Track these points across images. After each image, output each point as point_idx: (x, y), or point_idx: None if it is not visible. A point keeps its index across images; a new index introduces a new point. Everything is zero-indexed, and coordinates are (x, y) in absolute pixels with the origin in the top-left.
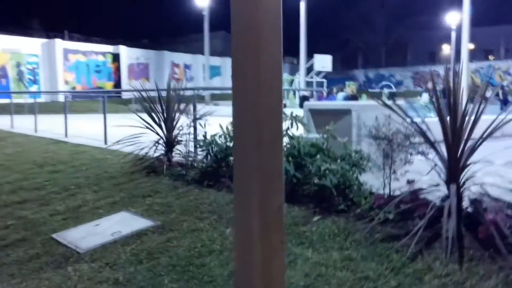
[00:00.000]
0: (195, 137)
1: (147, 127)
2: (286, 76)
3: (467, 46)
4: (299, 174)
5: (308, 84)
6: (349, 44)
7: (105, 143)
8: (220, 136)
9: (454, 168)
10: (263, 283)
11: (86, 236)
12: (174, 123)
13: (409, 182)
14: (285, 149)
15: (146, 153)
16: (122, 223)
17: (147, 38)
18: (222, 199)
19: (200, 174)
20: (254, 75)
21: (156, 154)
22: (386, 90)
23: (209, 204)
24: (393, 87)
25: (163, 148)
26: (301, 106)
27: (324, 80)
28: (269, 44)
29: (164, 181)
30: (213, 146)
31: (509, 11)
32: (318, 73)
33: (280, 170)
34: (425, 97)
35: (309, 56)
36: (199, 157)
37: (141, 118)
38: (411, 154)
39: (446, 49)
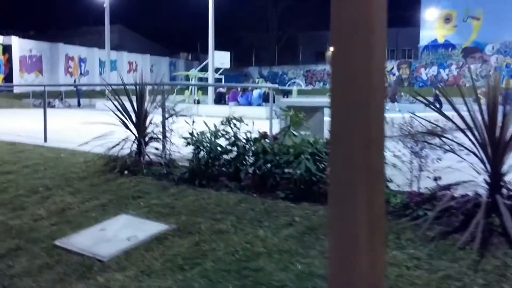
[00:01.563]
0: (164, 135)
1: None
2: (194, 72)
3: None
4: (320, 173)
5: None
6: (243, 42)
7: (45, 140)
8: (211, 134)
9: (499, 165)
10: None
11: (98, 242)
12: (147, 119)
13: (436, 179)
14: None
15: (114, 151)
16: (131, 227)
17: (34, 30)
18: (228, 199)
19: (190, 173)
20: (365, 76)
21: (124, 152)
22: (295, 88)
23: (217, 205)
24: (302, 84)
25: (134, 146)
26: (216, 102)
27: (222, 77)
28: (378, 44)
29: (147, 180)
30: (204, 144)
31: (389, 14)
32: (217, 69)
33: (383, 170)
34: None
35: (205, 52)
36: (175, 154)
37: (116, 112)
38: (444, 151)
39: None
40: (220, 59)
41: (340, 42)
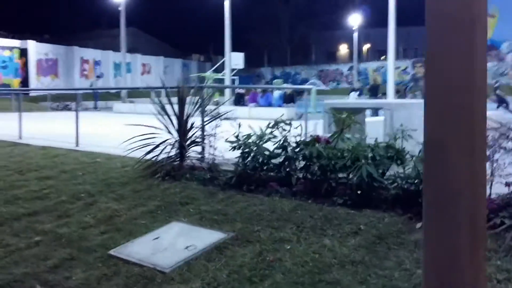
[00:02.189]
0: (203, 138)
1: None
2: (210, 74)
3: (393, 46)
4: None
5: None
6: (255, 42)
7: (77, 144)
8: (258, 138)
9: None
10: None
11: (155, 251)
12: (188, 122)
13: (508, 184)
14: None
15: (155, 155)
16: (187, 236)
17: (49, 33)
18: (282, 205)
19: (237, 178)
20: (467, 76)
21: (162, 157)
22: (314, 88)
23: (272, 211)
24: (319, 84)
25: (173, 151)
26: (235, 103)
27: (236, 78)
28: (481, 41)
29: (192, 186)
30: (251, 148)
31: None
32: (232, 70)
33: (485, 178)
34: (352, 95)
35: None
36: (218, 158)
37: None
38: None
39: (343, 49)
40: (234, 60)
41: (437, 40)
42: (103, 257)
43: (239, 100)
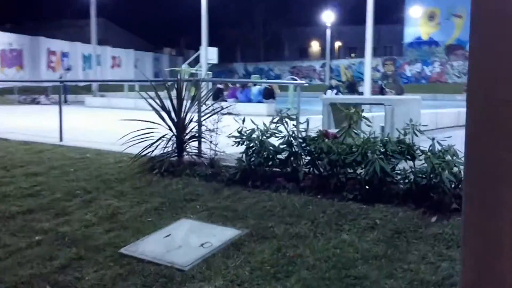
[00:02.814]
0: (199, 134)
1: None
2: (186, 67)
3: (370, 44)
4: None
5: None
6: (228, 37)
7: (61, 139)
8: (262, 133)
9: None
10: None
11: (169, 249)
12: (187, 116)
13: None
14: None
15: (149, 150)
16: (199, 233)
17: (10, 22)
18: (292, 201)
19: (241, 174)
20: None
21: (158, 153)
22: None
23: (282, 207)
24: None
25: (172, 146)
26: (214, 99)
27: (210, 73)
28: None
29: (194, 182)
30: (256, 143)
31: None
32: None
33: None
34: (329, 93)
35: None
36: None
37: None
38: None
39: (315, 46)
40: (208, 54)
41: (482, 34)
42: (114, 256)
43: (217, 96)
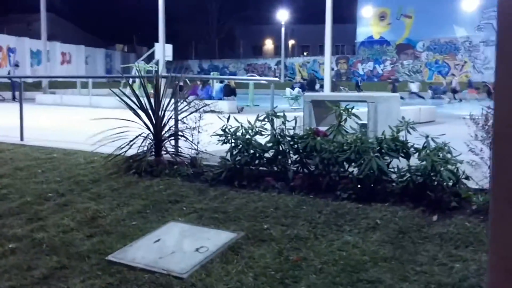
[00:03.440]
0: (176, 132)
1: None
2: (143, 65)
3: (330, 41)
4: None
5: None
6: (182, 34)
7: (22, 138)
8: (248, 131)
9: None
10: None
11: (162, 255)
12: (165, 114)
13: None
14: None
15: (124, 150)
16: (192, 237)
17: None
18: (284, 201)
19: (227, 173)
20: None
21: (132, 152)
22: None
23: (275, 208)
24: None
25: (149, 145)
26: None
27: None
28: None
29: (176, 182)
30: (241, 141)
31: (321, 11)
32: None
33: None
34: (296, 90)
35: (141, 44)
36: (198, 153)
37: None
38: None
39: (269, 44)
40: (163, 51)
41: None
42: (101, 264)
43: (178, 93)
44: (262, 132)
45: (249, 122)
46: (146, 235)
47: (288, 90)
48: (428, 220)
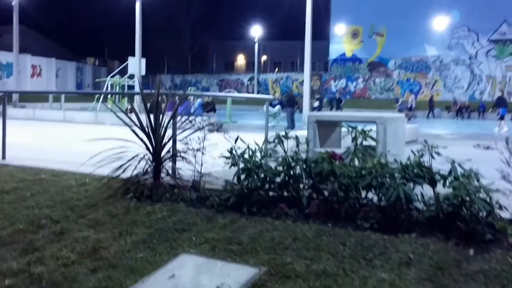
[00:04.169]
0: (174, 153)
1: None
2: (118, 79)
3: (309, 58)
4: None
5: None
6: (154, 49)
7: (3, 157)
8: (255, 153)
9: None
10: None
11: None
12: (166, 133)
13: None
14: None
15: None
16: (209, 272)
17: None
18: (301, 230)
19: (235, 199)
20: None
21: (127, 174)
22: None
23: (294, 238)
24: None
25: (146, 166)
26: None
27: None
28: None
29: (181, 208)
30: (252, 165)
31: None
32: (131, 76)
33: None
34: (277, 108)
35: (113, 58)
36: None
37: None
38: None
39: (241, 59)
40: (135, 66)
41: None
42: None
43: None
44: (273, 155)
45: (256, 144)
46: (157, 270)
47: (269, 107)
48: (465, 255)
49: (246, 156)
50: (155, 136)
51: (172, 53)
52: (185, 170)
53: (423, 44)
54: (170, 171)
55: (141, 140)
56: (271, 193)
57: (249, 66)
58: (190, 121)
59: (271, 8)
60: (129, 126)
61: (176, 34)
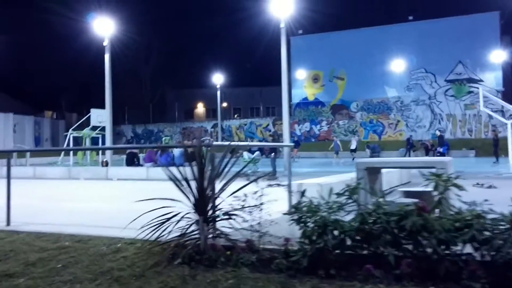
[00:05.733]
0: (213, 207)
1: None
2: (88, 131)
3: (287, 104)
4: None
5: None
6: (114, 99)
7: (8, 223)
8: (323, 207)
9: None
10: None
11: None
12: (214, 189)
13: None
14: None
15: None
16: None
17: None
18: None
19: (308, 260)
20: None
21: (166, 235)
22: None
23: None
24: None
25: (190, 227)
26: (128, 164)
27: (100, 136)
28: None
29: (246, 274)
30: (326, 221)
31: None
32: (95, 128)
33: None
34: (257, 153)
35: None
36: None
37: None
38: None
39: (201, 107)
40: (99, 117)
41: None
42: None
43: (132, 160)
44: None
45: (322, 198)
46: None
47: (245, 153)
48: None
49: (311, 211)
50: (199, 191)
51: (133, 103)
52: (231, 228)
53: (383, 86)
54: (215, 230)
55: (186, 196)
56: (347, 252)
57: (209, 113)
58: (244, 174)
59: (229, 56)
60: (174, 180)
61: (137, 84)
